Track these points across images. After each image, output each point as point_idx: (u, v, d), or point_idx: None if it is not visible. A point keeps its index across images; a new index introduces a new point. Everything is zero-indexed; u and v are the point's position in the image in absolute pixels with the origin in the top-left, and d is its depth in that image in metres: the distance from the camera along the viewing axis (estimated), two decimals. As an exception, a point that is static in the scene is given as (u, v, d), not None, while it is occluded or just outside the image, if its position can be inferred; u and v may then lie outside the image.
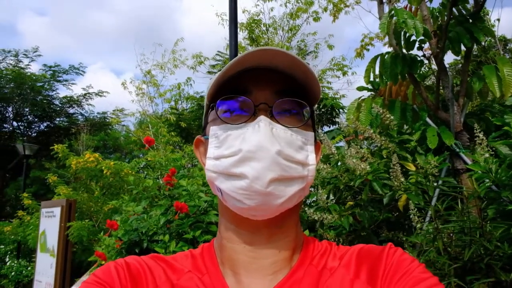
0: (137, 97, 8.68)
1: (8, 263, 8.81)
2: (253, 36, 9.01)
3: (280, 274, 0.68)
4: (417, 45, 2.39)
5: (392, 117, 2.31)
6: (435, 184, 1.95)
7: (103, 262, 2.89)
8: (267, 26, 9.16)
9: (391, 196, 2.04)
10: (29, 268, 8.27)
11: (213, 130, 0.68)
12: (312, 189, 2.43)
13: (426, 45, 2.46)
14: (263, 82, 0.68)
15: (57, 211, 5.80)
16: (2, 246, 9.43)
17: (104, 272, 0.67)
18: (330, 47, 9.65)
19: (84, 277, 5.24)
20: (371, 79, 2.82)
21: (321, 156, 0.83)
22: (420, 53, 2.46)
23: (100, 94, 17.94)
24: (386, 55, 2.48)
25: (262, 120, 0.64)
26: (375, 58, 2.55)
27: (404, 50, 2.39)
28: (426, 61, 2.44)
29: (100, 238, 2.83)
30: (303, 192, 0.69)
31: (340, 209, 2.34)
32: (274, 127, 0.65)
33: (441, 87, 2.40)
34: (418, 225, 1.70)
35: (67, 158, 5.69)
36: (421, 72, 3.39)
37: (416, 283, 0.61)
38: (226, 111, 0.68)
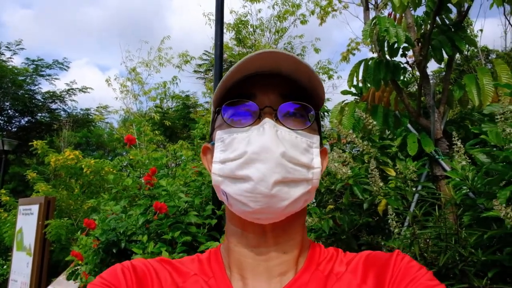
0: (121, 95, 8.57)
1: (-17, 261, 8.58)
2: (239, 37, 8.99)
3: (286, 277, 0.68)
4: (400, 52, 2.41)
5: (374, 122, 2.32)
6: (414, 189, 1.97)
7: (80, 262, 2.84)
8: (254, 27, 9.17)
9: (370, 200, 2.06)
10: (4, 267, 8.07)
11: (219, 134, 0.69)
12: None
13: (411, 53, 2.49)
14: (268, 85, 0.69)
15: (35, 208, 5.69)
16: (-23, 244, 9.17)
17: (110, 274, 0.68)
18: (317, 50, 9.71)
19: (61, 277, 5.13)
20: (355, 83, 2.84)
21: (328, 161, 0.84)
22: (403, 59, 2.50)
23: (84, 90, 17.65)
24: (370, 61, 2.50)
25: (267, 123, 0.64)
26: (359, 63, 2.57)
27: (387, 57, 2.42)
28: (409, 68, 2.47)
29: (77, 238, 2.78)
30: (309, 195, 0.69)
31: (321, 212, 2.36)
32: (278, 130, 0.65)
33: (423, 94, 2.43)
34: (396, 230, 1.72)
35: (47, 154, 5.57)
36: (405, 79, 3.43)
37: None
38: (231, 115, 0.69)
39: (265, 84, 0.69)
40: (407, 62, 2.45)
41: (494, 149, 1.62)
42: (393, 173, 2.14)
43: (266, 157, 0.62)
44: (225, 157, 0.67)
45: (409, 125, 2.50)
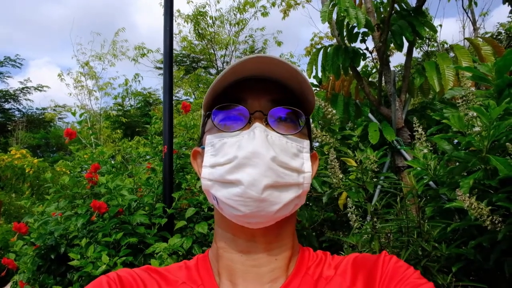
0: (76, 90, 8.12)
1: None
2: (199, 29, 8.72)
3: (277, 283, 0.68)
4: (360, 37, 2.30)
5: (334, 111, 2.20)
6: (375, 180, 1.85)
7: (24, 271, 2.56)
8: (214, 19, 8.94)
9: (330, 194, 1.93)
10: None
11: (209, 139, 0.69)
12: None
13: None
14: (259, 90, 0.69)
15: (-21, 213, 5.28)
16: None
17: (95, 287, 0.66)
18: (279, 43, 9.61)
19: (8, 287, 4.76)
20: (315, 73, 2.71)
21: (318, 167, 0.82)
22: (363, 46, 2.39)
23: (39, 88, 16.74)
24: (329, 48, 2.38)
25: (257, 127, 0.65)
26: (318, 50, 2.44)
27: (347, 42, 2.30)
28: (369, 55, 2.36)
29: (14, 244, 2.50)
30: (299, 199, 0.69)
31: (279, 208, 2.21)
32: (269, 134, 0.65)
33: (383, 82, 2.33)
34: (356, 225, 1.59)
35: (-10, 154, 5.15)
36: (367, 71, 3.35)
37: None
38: (221, 119, 0.69)
39: (255, 89, 0.69)
40: (366, 48, 2.34)
41: (458, 135, 1.52)
42: (354, 164, 2.03)
43: (257, 161, 0.62)
44: (215, 161, 0.67)
45: (370, 115, 2.40)
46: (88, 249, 1.93)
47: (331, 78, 2.63)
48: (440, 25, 6.89)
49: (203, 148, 0.71)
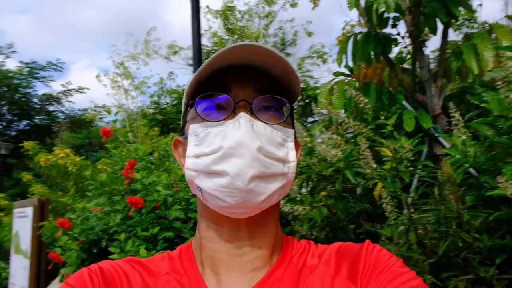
0: (113, 90, 8.41)
1: (-14, 265, 8.51)
2: (228, 24, 8.73)
3: (260, 272, 0.68)
4: (391, 22, 2.22)
5: (366, 100, 2.14)
6: (411, 169, 1.79)
7: (73, 267, 2.69)
8: (242, 13, 8.91)
9: (364, 185, 1.89)
10: (7, 270, 7.99)
11: (193, 128, 0.68)
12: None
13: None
14: (243, 79, 0.68)
15: (29, 211, 5.57)
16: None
17: (76, 279, 0.65)
18: (309, 34, 9.46)
19: (57, 280, 5.01)
20: (347, 63, 2.65)
21: (301, 154, 0.83)
22: (394, 31, 2.30)
23: (80, 90, 17.48)
24: (359, 35, 2.31)
25: (243, 117, 0.64)
26: (348, 38, 2.38)
27: (377, 29, 2.22)
28: (401, 40, 2.27)
29: (59, 239, 2.63)
30: (284, 189, 0.69)
31: (314, 199, 2.19)
32: (254, 124, 0.65)
33: (417, 68, 2.24)
34: (391, 216, 1.55)
35: (37, 155, 5.44)
36: (402, 57, 3.23)
37: (394, 277, 0.62)
38: (205, 108, 0.68)
39: (240, 78, 0.68)
40: (398, 33, 2.25)
41: (500, 119, 1.44)
42: (389, 153, 1.97)
43: (243, 152, 0.62)
44: (200, 151, 0.66)
45: (404, 102, 2.31)
46: (127, 243, 1.99)
47: (362, 66, 2.56)
48: (480, 5, 6.50)
49: (186, 138, 0.71)
